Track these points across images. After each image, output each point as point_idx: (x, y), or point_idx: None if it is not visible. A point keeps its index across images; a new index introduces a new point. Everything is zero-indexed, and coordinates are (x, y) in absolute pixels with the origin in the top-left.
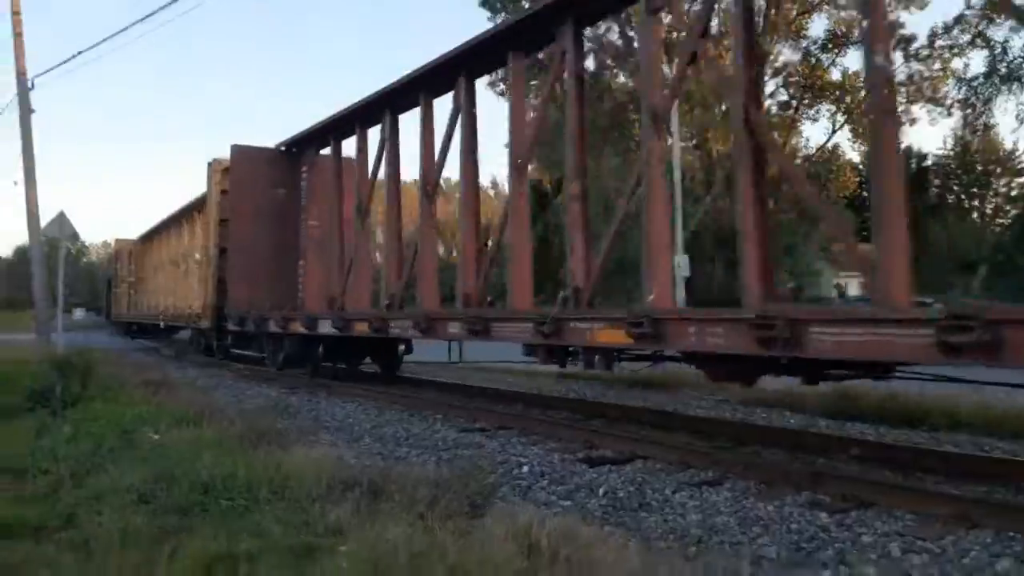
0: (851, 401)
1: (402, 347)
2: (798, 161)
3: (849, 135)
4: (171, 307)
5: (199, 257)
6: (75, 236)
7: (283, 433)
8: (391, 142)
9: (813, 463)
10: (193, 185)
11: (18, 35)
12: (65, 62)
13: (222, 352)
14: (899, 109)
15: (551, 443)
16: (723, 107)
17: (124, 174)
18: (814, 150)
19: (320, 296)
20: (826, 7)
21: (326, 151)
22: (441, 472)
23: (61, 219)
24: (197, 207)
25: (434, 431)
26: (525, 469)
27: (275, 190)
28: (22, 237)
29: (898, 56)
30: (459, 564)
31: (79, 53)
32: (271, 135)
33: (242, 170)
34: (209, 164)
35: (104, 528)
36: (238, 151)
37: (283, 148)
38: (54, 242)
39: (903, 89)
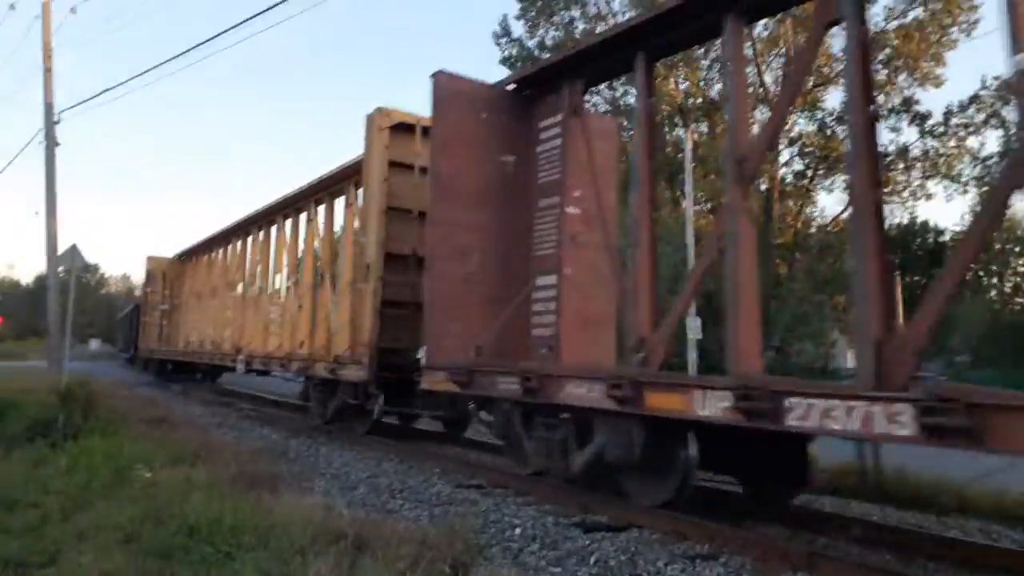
0: (859, 478)
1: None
2: (812, 231)
3: None
4: (237, 344)
5: (334, 273)
6: (86, 267)
7: (277, 478)
8: (645, 93)
9: (812, 542)
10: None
11: (48, 70)
12: (92, 98)
13: (400, 421)
14: (915, 183)
15: (547, 505)
16: None
17: (146, 208)
18: (828, 220)
19: (580, 336)
20: (842, 81)
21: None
22: (427, 530)
23: (73, 251)
24: (307, 199)
25: (430, 485)
26: (517, 531)
27: (501, 159)
28: (43, 266)
29: (913, 132)
30: None
31: (106, 90)
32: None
33: (454, 119)
34: (369, 118)
35: (84, 568)
36: (447, 83)
37: (513, 87)
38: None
39: (918, 164)
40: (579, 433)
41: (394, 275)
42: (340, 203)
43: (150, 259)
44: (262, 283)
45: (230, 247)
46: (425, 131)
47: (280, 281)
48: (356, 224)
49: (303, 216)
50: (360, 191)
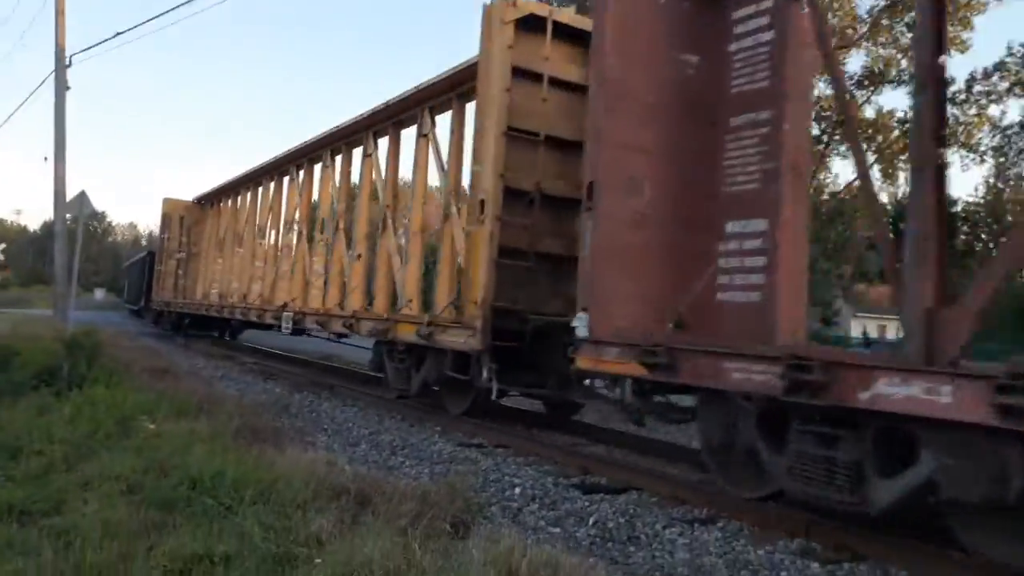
0: None
1: None
2: (825, 197)
3: (879, 174)
4: (269, 297)
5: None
6: (94, 214)
7: (280, 432)
8: None
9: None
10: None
11: (60, 12)
12: (104, 41)
13: (554, 412)
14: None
15: (547, 465)
16: None
17: (154, 156)
18: (842, 187)
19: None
20: (864, 44)
21: None
22: (429, 487)
23: (82, 198)
24: (364, 131)
25: (431, 443)
26: (517, 491)
27: (681, 57)
28: (51, 212)
29: None
30: None
31: (118, 34)
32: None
33: (625, 4)
34: (487, 8)
35: (88, 518)
36: None
37: None
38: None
39: None
40: (882, 452)
41: (512, 216)
42: (408, 134)
43: (167, 201)
44: (302, 230)
45: (261, 190)
46: (558, 29)
47: (330, 228)
48: (434, 159)
49: (357, 152)
50: (468, 107)
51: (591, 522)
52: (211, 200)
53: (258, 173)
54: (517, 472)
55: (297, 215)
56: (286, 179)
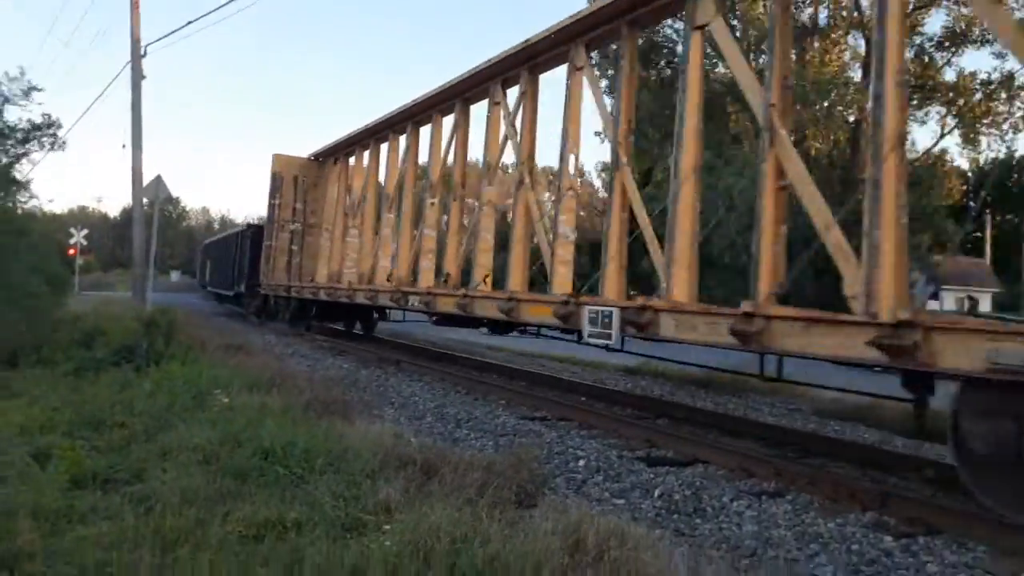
0: (933, 420)
1: None
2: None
3: (959, 140)
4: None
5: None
6: (170, 199)
7: (348, 405)
8: None
9: (883, 482)
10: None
11: (135, 5)
12: (177, 30)
13: None
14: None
15: (611, 439)
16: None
17: (223, 142)
18: (920, 154)
19: None
20: (945, 3)
21: None
22: (494, 458)
23: (158, 182)
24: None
25: (495, 416)
26: (581, 463)
27: None
28: (129, 199)
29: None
30: (499, 554)
31: (190, 23)
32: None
33: None
34: None
35: (167, 485)
36: None
37: None
38: (160, 206)
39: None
40: None
41: None
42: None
43: (278, 159)
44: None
45: (404, 139)
46: None
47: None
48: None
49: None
50: None
51: (656, 494)
52: (336, 154)
53: (411, 112)
54: (581, 445)
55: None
56: (447, 121)
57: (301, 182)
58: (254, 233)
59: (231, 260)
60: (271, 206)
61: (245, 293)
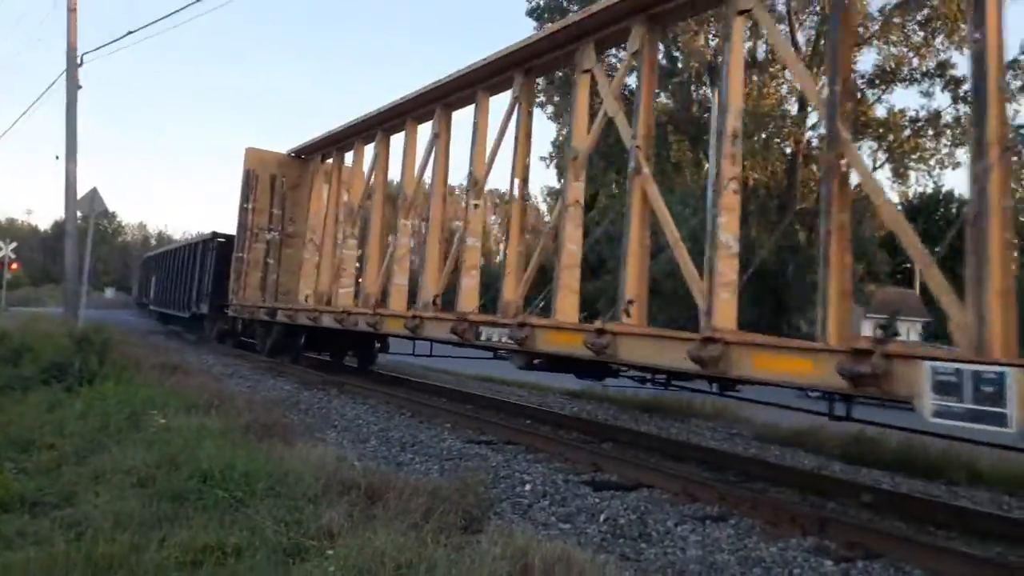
0: (869, 446)
1: None
2: None
3: (890, 174)
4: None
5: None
6: (106, 212)
7: (289, 428)
8: None
9: (822, 507)
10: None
11: (72, 10)
12: (116, 40)
13: None
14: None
15: (557, 462)
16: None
17: (161, 157)
18: (853, 187)
19: None
20: (876, 42)
21: None
22: (440, 482)
23: (93, 195)
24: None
25: (440, 439)
26: (527, 487)
27: None
28: (61, 212)
29: (946, 97)
30: None
31: (129, 32)
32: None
33: None
34: None
35: (99, 509)
36: None
37: None
38: (95, 219)
39: (948, 131)
40: None
41: None
42: None
43: (251, 153)
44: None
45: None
46: None
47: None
48: None
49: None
50: None
51: (602, 519)
52: (326, 150)
53: (431, 98)
54: (527, 469)
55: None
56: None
57: (279, 183)
58: (221, 244)
59: (188, 275)
60: (243, 210)
61: (208, 314)
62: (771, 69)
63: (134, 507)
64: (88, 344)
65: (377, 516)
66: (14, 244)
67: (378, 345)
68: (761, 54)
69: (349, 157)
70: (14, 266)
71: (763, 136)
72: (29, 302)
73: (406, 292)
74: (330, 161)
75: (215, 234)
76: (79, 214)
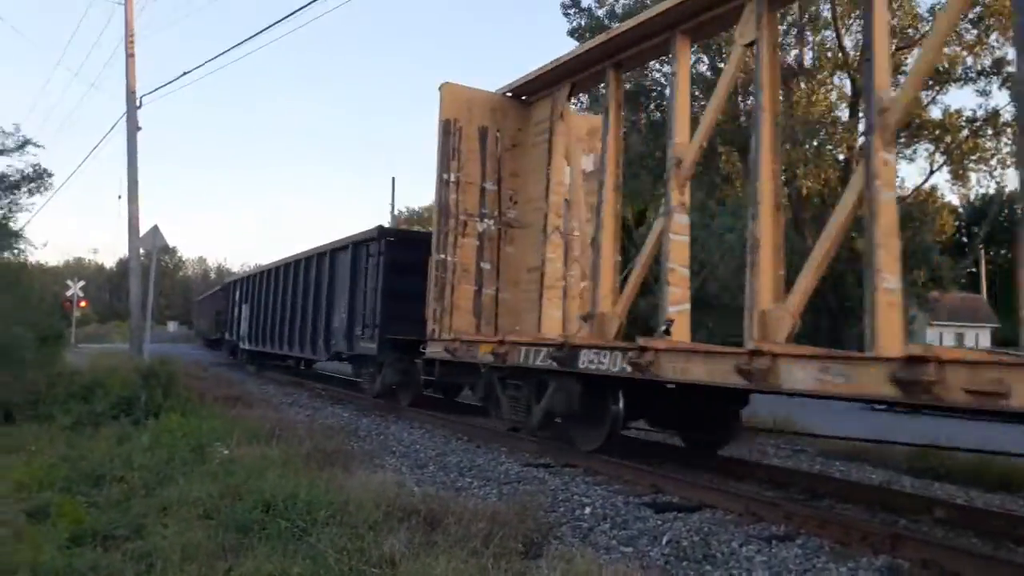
0: (940, 459)
1: None
2: None
3: (948, 176)
4: None
5: None
6: (167, 248)
7: (349, 455)
8: None
9: (894, 523)
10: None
11: (130, 56)
12: (171, 82)
13: None
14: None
15: (616, 484)
16: (814, 144)
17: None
18: (909, 191)
19: None
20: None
21: None
22: (499, 507)
23: (155, 232)
24: None
25: (498, 463)
26: (587, 511)
27: None
28: (125, 250)
29: (1004, 95)
30: None
31: (185, 73)
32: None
33: None
34: None
35: (167, 541)
36: None
37: None
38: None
39: (1008, 130)
40: None
41: None
42: None
43: (451, 92)
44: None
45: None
46: None
47: None
48: None
49: None
50: None
51: (664, 541)
52: (575, 77)
53: None
54: (586, 492)
55: None
56: None
57: (494, 140)
58: (392, 246)
59: (320, 297)
60: (442, 184)
61: (375, 355)
62: (818, 76)
63: (200, 538)
64: (154, 378)
65: (437, 542)
66: (82, 283)
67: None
68: (808, 61)
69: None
70: (83, 303)
71: (814, 143)
72: (97, 339)
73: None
74: (571, 106)
75: (382, 230)
76: (141, 251)
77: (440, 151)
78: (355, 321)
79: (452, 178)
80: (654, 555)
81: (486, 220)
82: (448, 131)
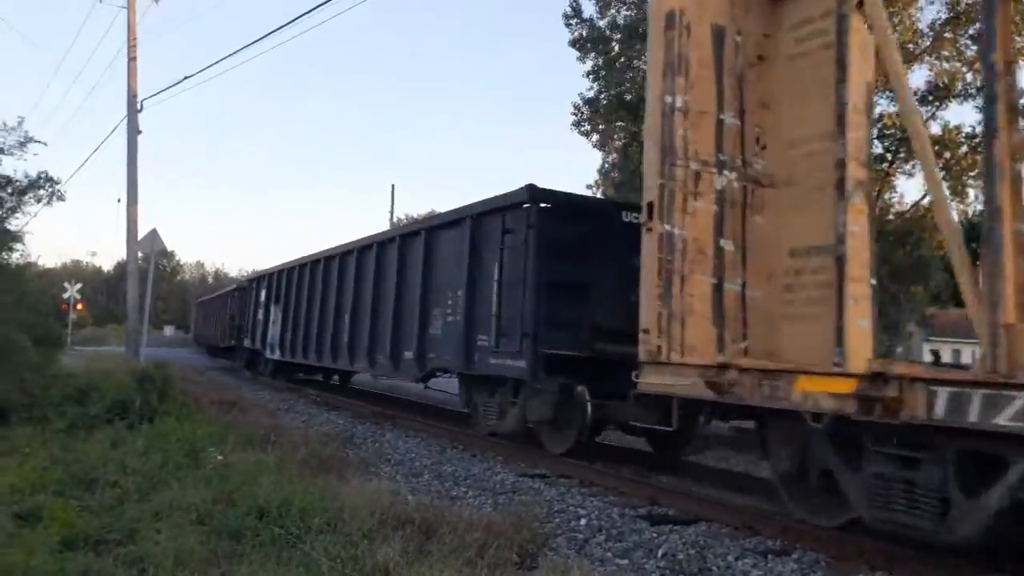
0: None
1: None
2: (890, 218)
3: (947, 191)
4: None
5: None
6: (165, 252)
7: (344, 462)
8: None
9: (891, 540)
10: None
11: (132, 59)
12: (173, 86)
13: None
14: None
15: (612, 496)
16: None
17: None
18: (908, 207)
19: None
20: (928, 58)
21: None
22: (494, 517)
23: (153, 235)
24: None
25: (493, 473)
26: (583, 522)
27: None
28: (123, 253)
29: None
30: None
31: (186, 77)
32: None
33: None
34: None
35: (160, 547)
36: None
37: None
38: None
39: None
40: None
41: None
42: None
43: None
44: None
45: None
46: None
47: None
48: None
49: None
50: None
51: (660, 554)
52: None
53: None
54: (582, 503)
55: None
56: None
57: (733, 47)
58: (547, 215)
59: (416, 297)
60: (662, 111)
61: (525, 376)
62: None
63: (194, 544)
64: (149, 382)
65: (432, 552)
66: (79, 285)
67: None
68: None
69: None
70: (80, 306)
71: None
72: (93, 341)
73: None
74: None
75: (533, 190)
76: (140, 254)
77: (658, 59)
78: (475, 327)
79: (678, 103)
80: (649, 568)
81: (726, 172)
82: (672, 26)
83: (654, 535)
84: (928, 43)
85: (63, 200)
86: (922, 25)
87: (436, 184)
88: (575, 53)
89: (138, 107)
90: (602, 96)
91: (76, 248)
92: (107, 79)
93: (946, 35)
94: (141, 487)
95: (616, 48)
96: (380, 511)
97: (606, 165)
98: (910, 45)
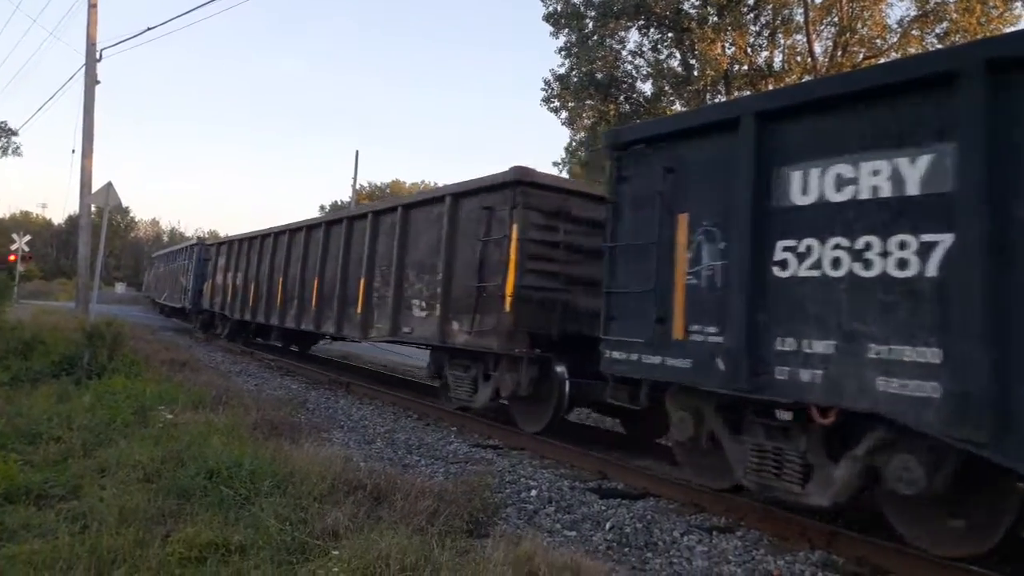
0: None
1: None
2: None
3: None
4: None
5: None
6: (120, 207)
7: (296, 427)
8: None
9: (833, 520)
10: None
11: (93, 6)
12: (135, 36)
13: None
14: None
15: (563, 468)
16: None
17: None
18: None
19: None
20: (894, 54)
21: None
22: (445, 485)
23: (108, 189)
24: None
25: (447, 442)
26: (533, 493)
27: None
28: (75, 206)
29: None
30: None
31: (149, 29)
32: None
33: None
34: None
35: (105, 503)
36: None
37: None
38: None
39: None
40: None
41: None
42: None
43: None
44: None
45: None
46: None
47: None
48: None
49: None
50: None
51: (608, 527)
52: None
53: None
54: (533, 474)
55: None
56: None
57: None
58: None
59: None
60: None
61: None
62: (786, 79)
63: (139, 502)
64: (99, 338)
65: (382, 517)
66: (28, 237)
67: None
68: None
69: None
70: (28, 259)
71: None
72: (40, 296)
73: None
74: None
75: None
76: (93, 208)
77: None
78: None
79: None
80: (597, 540)
81: None
82: None
83: (603, 508)
84: (896, 39)
85: (20, 155)
86: (891, 21)
87: (401, 154)
88: (549, 28)
89: (97, 56)
90: (573, 73)
91: (25, 199)
92: (67, 25)
93: (913, 32)
94: (87, 443)
95: (590, 25)
96: (331, 476)
97: (573, 143)
98: (878, 40)
